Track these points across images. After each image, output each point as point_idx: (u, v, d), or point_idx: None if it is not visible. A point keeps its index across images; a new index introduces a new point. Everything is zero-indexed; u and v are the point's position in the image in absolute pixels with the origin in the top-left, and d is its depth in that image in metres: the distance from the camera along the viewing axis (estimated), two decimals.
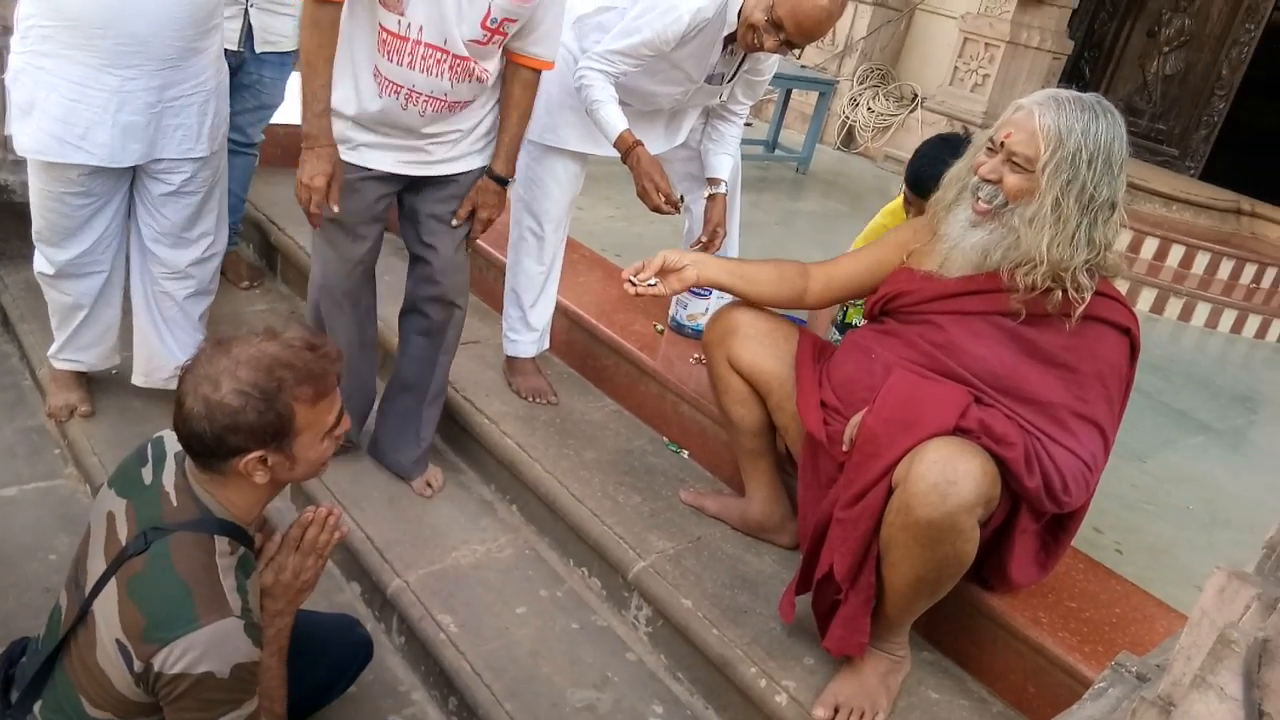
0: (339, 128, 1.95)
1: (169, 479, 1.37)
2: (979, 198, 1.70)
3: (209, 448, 1.29)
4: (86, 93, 2.09)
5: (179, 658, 1.23)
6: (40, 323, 2.62)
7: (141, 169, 2.27)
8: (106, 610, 1.28)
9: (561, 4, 2.01)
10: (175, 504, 1.34)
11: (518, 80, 2.03)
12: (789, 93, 5.65)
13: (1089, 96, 1.66)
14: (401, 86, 1.91)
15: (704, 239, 2.43)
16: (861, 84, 6.32)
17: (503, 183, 2.12)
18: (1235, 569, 0.86)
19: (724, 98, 2.47)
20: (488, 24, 1.87)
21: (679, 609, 1.91)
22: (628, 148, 2.23)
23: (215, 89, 2.31)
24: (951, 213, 1.77)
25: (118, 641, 1.26)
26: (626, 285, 1.89)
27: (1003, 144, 1.66)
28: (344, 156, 1.97)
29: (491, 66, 1.97)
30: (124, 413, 2.53)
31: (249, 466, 1.31)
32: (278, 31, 2.80)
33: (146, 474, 1.39)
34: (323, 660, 1.67)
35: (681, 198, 2.26)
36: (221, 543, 1.33)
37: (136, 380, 2.52)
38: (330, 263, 2.14)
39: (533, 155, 2.44)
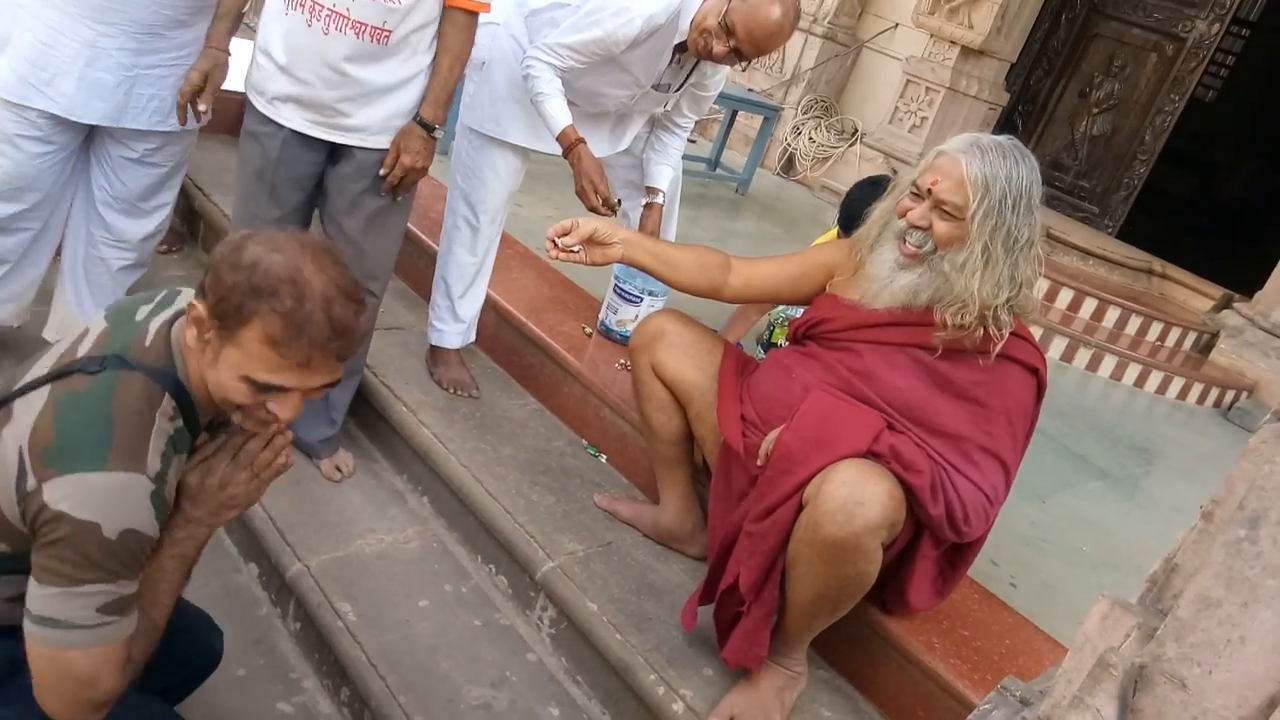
0: (259, 75, 1.98)
1: (157, 322, 1.27)
2: (907, 241, 1.74)
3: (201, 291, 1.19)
4: (59, 39, 2.03)
5: (69, 494, 1.11)
6: None
7: (105, 130, 2.19)
8: (25, 413, 1.17)
9: None
10: (148, 345, 1.24)
11: (449, 21, 1.98)
12: (734, 114, 5.71)
13: (1005, 141, 1.72)
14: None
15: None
16: (805, 113, 6.44)
17: (428, 129, 2.03)
18: (1119, 598, 0.89)
19: (669, 107, 2.49)
20: None
21: (584, 612, 1.90)
22: (570, 144, 2.23)
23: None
24: (876, 252, 1.81)
25: (20, 450, 1.15)
26: (548, 245, 1.86)
27: (929, 191, 1.71)
28: (260, 108, 2.00)
29: None
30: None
31: (190, 313, 1.19)
32: None
33: (142, 311, 1.29)
34: (166, 664, 1.46)
35: (619, 201, 2.27)
36: (169, 403, 1.22)
37: (48, 335, 2.40)
38: (242, 222, 2.10)
39: (474, 145, 2.42)
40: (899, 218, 1.76)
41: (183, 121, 2.09)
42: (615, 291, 2.68)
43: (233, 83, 2.11)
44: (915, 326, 1.77)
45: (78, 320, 2.36)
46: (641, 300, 2.64)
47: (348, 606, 1.92)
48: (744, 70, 6.23)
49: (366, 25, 1.89)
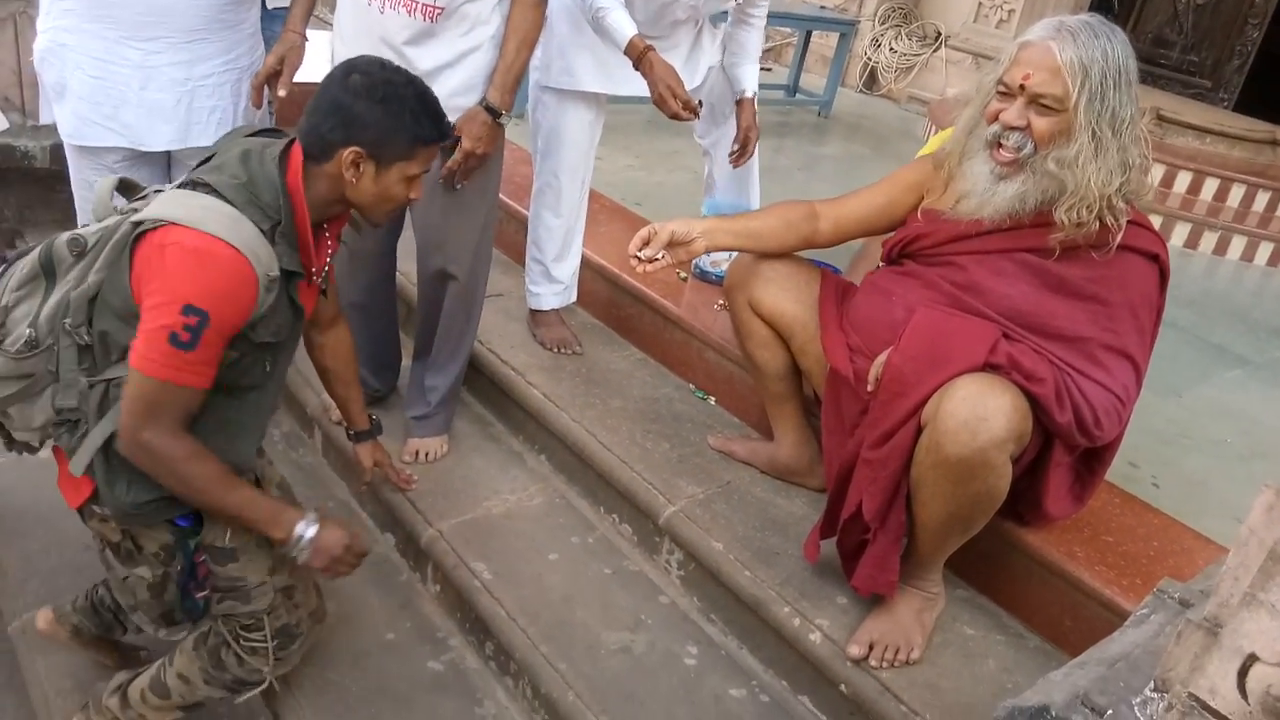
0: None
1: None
2: (1004, 146, 1.64)
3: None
4: (109, 69, 2.00)
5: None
6: None
7: (175, 157, 2.17)
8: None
9: None
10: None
11: (517, 3, 1.95)
12: (809, 35, 5.52)
13: (1090, 18, 1.62)
14: None
15: (737, 146, 2.50)
16: (883, 24, 6.16)
17: (494, 113, 1.95)
18: None
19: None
20: None
21: (710, 552, 1.91)
22: (639, 54, 2.16)
23: (250, 66, 2.17)
24: (966, 166, 1.72)
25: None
26: (633, 262, 1.83)
27: (1022, 86, 1.61)
28: None
29: None
30: None
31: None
32: None
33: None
34: None
35: (700, 103, 2.18)
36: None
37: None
38: None
39: (546, 103, 2.40)
40: (988, 122, 1.66)
41: (257, 104, 2.07)
42: None
43: (304, 74, 2.12)
44: (1024, 230, 1.68)
45: None
46: None
47: (482, 566, 1.98)
48: None
49: (417, 2, 1.87)
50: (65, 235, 1.43)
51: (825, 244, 1.99)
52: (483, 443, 2.40)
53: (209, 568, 1.55)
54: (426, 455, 2.26)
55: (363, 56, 1.51)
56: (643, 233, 1.84)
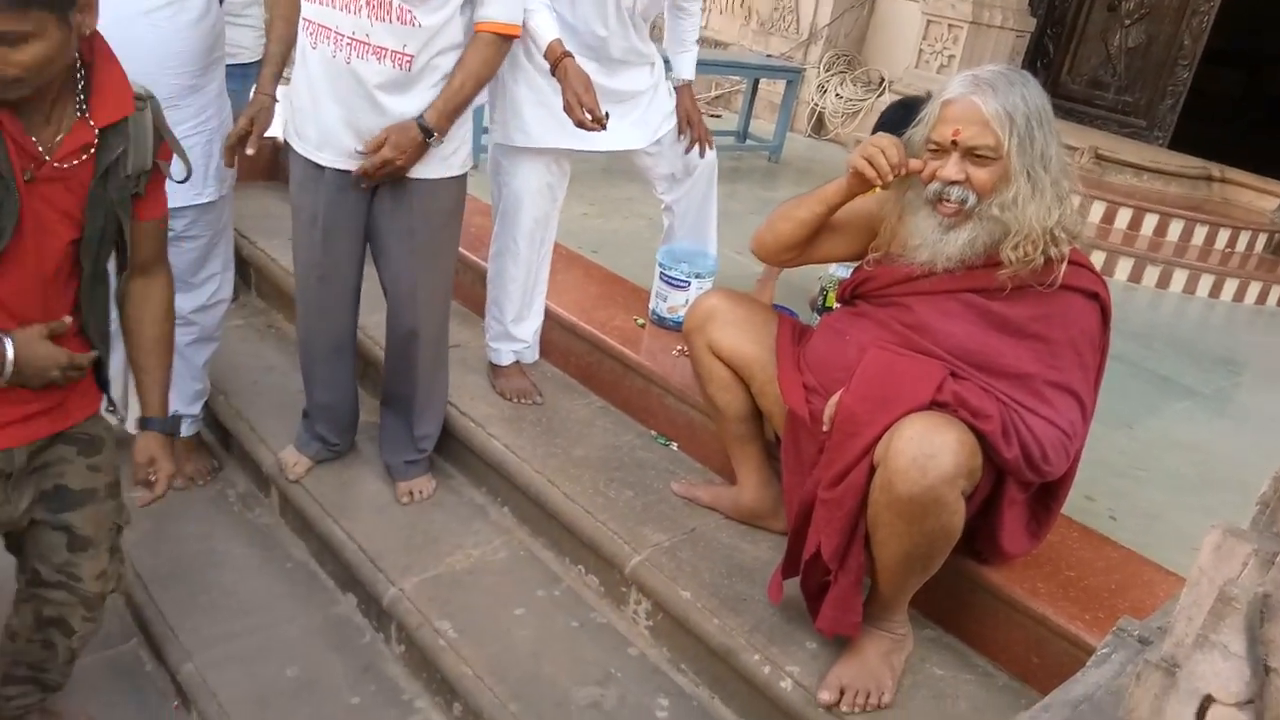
0: (300, 119, 2.03)
1: None
2: (947, 201, 1.69)
3: None
4: None
5: None
6: None
7: None
8: None
9: None
10: None
11: (473, 40, 1.97)
12: (757, 82, 5.63)
13: (1001, 68, 1.70)
14: (328, 29, 1.89)
15: (684, 136, 2.54)
16: (828, 70, 6.32)
17: (426, 132, 1.94)
18: (1231, 526, 0.85)
19: None
20: None
21: (678, 601, 1.90)
22: (556, 59, 2.13)
23: (217, 127, 2.19)
24: (910, 221, 1.76)
25: None
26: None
27: (954, 142, 1.66)
28: (302, 153, 2.05)
29: (422, 14, 1.87)
30: None
31: None
32: (237, 43, 2.74)
33: None
34: None
35: (607, 115, 2.14)
36: None
37: (130, 427, 2.43)
38: (302, 270, 2.17)
39: (504, 166, 2.39)
40: (925, 182, 1.71)
41: (229, 164, 2.11)
42: (662, 279, 2.67)
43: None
44: (975, 270, 1.72)
45: None
46: (689, 284, 2.62)
47: (447, 624, 1.95)
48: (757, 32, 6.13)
49: (387, 50, 1.89)
50: None
51: (790, 264, 2.04)
52: (444, 495, 2.37)
53: None
54: (420, 493, 2.33)
55: None
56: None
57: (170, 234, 2.16)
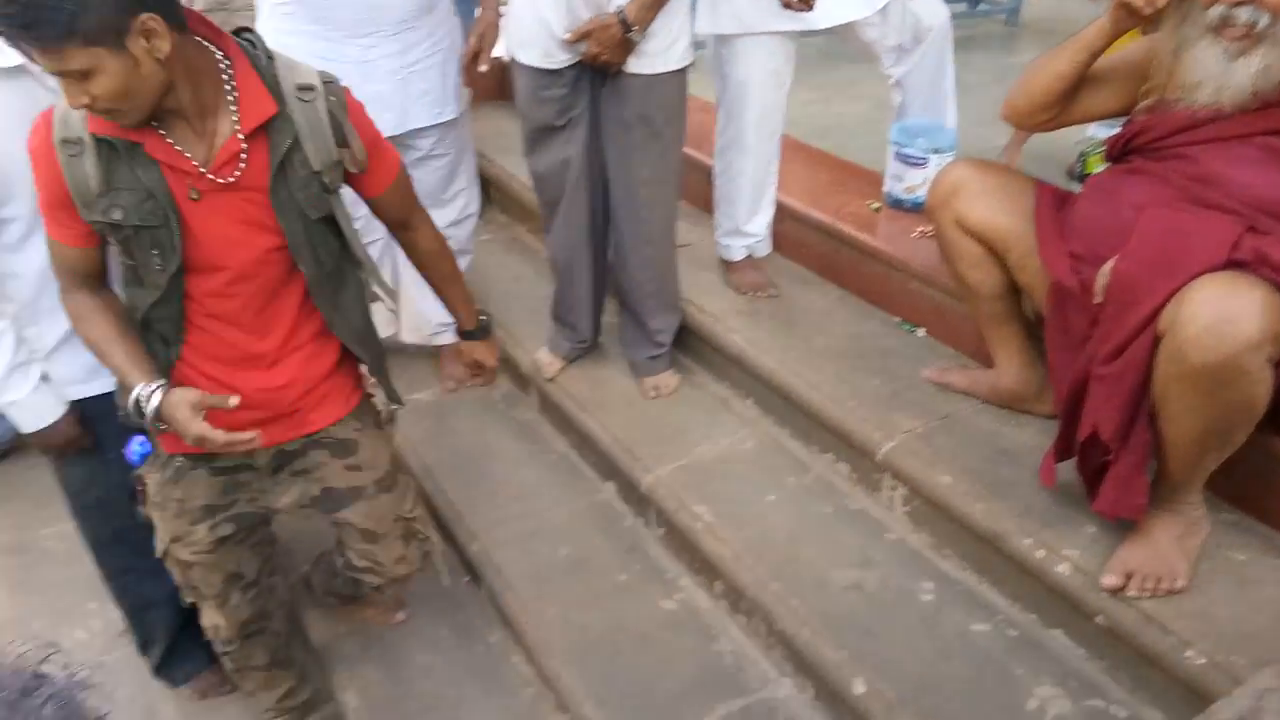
0: (517, 29, 2.07)
1: None
2: (1233, 25, 1.49)
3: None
4: (332, 67, 2.07)
5: None
6: None
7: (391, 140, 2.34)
8: None
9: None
10: None
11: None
12: None
13: None
14: None
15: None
16: None
17: (626, 26, 1.92)
18: None
19: None
20: None
21: (937, 486, 1.86)
22: None
23: (450, 46, 2.27)
24: (1187, 58, 1.56)
25: None
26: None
27: None
28: (527, 62, 2.07)
29: None
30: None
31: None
32: None
33: None
34: None
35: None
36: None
37: (405, 337, 2.65)
38: (540, 178, 2.24)
39: (724, 55, 2.33)
40: (1205, 6, 1.50)
41: (468, 84, 2.17)
42: (897, 158, 2.54)
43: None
44: (1269, 109, 1.52)
45: (424, 316, 2.58)
46: (927, 161, 2.47)
47: (704, 508, 2.01)
48: None
49: None
50: None
51: (1057, 124, 1.84)
52: (687, 391, 2.43)
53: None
54: (664, 388, 2.39)
55: None
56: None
57: (418, 153, 2.32)
